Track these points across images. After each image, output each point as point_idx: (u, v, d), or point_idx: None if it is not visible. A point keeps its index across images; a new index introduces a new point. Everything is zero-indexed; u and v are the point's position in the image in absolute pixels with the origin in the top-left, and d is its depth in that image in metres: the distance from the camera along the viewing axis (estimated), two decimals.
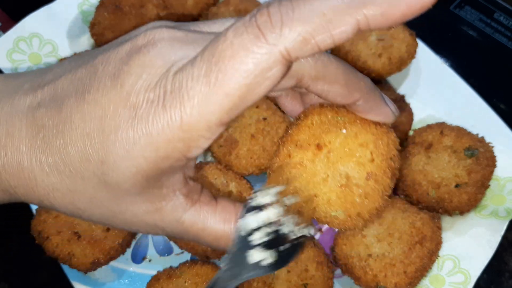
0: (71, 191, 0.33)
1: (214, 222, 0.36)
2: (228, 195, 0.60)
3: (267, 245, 0.36)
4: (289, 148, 0.39)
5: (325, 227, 0.64)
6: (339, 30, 0.27)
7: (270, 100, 0.66)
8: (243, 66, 0.28)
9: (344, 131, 0.38)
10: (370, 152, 0.38)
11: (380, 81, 0.69)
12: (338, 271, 0.59)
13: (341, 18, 0.27)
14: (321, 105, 0.39)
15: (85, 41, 0.73)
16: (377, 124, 0.39)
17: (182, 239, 0.38)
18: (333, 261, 0.58)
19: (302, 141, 0.38)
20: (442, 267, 0.58)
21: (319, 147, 0.38)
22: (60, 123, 0.32)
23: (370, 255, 0.55)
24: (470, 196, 0.58)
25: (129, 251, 0.63)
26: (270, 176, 0.39)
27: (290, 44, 0.28)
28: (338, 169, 0.38)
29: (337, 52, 0.67)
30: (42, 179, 0.33)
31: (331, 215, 0.39)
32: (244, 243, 0.36)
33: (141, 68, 0.31)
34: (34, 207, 0.61)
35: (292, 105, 0.40)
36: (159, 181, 0.33)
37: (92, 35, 0.70)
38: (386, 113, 0.39)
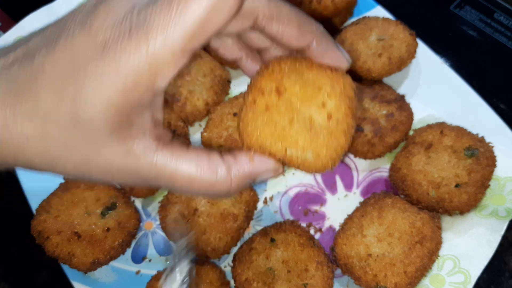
0: (44, 136, 0.33)
1: (187, 164, 0.36)
2: None
3: None
4: (254, 94, 0.41)
5: (325, 227, 0.64)
6: None
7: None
8: None
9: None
10: (327, 94, 0.41)
11: (380, 81, 0.69)
12: (338, 271, 0.59)
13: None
14: (280, 56, 0.42)
15: None
16: (332, 69, 0.41)
17: (158, 187, 0.39)
18: (333, 261, 0.58)
19: (264, 87, 0.41)
20: (442, 267, 0.58)
21: (278, 91, 0.41)
22: (32, 74, 0.33)
23: (370, 255, 0.55)
24: (470, 196, 0.58)
25: (129, 251, 0.63)
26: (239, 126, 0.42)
27: None
28: (301, 112, 0.41)
29: None
30: (16, 130, 0.33)
31: (302, 158, 0.42)
32: None
33: (107, 12, 0.33)
34: (34, 207, 0.61)
35: (253, 67, 0.43)
36: (129, 118, 0.34)
37: None
38: (339, 57, 0.41)
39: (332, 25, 0.72)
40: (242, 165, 0.39)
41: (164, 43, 0.31)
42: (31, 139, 0.33)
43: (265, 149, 0.41)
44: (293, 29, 0.37)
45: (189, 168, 0.36)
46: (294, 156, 0.42)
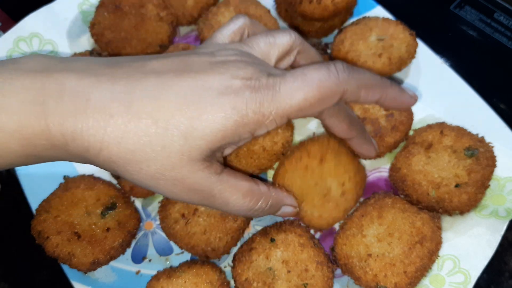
0: (152, 152, 0.39)
1: (236, 191, 0.45)
2: None
3: None
4: (302, 153, 0.58)
5: None
6: (371, 92, 0.46)
7: None
8: (322, 84, 0.41)
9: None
10: (349, 178, 0.57)
11: None
12: (338, 271, 0.59)
13: (374, 89, 0.46)
14: (330, 134, 0.59)
15: (85, 41, 0.73)
16: (359, 162, 0.61)
17: (208, 206, 0.47)
18: (333, 261, 0.58)
19: (311, 152, 0.57)
20: (442, 267, 0.58)
21: (321, 160, 0.57)
22: (157, 91, 0.38)
23: (370, 255, 0.55)
24: (470, 196, 0.58)
25: (129, 251, 0.63)
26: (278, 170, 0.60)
27: (351, 87, 0.43)
28: (326, 181, 0.57)
29: (337, 53, 0.67)
30: (133, 128, 0.38)
31: (309, 213, 0.57)
32: None
33: (239, 65, 0.41)
34: (34, 207, 0.61)
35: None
36: (217, 152, 0.42)
37: (92, 35, 0.70)
38: (371, 150, 0.58)
39: (332, 25, 0.72)
40: (276, 192, 0.51)
41: (279, 107, 0.40)
42: (140, 140, 0.38)
43: (289, 192, 0.56)
44: (344, 125, 0.50)
45: (243, 182, 0.45)
46: (304, 209, 0.57)
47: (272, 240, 0.57)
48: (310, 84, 0.40)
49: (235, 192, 0.44)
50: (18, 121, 0.35)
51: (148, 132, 0.38)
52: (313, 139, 0.59)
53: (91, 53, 0.69)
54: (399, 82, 0.70)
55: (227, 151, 0.53)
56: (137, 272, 0.62)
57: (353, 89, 0.43)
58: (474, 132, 0.62)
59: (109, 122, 0.37)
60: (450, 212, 0.59)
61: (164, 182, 0.41)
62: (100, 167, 0.41)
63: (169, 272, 0.57)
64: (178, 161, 0.39)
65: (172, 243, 0.63)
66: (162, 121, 0.38)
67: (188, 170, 0.40)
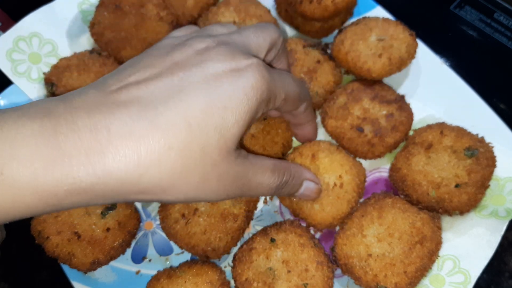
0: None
1: (263, 158, 0.47)
2: None
3: None
4: (295, 155, 0.60)
5: None
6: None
7: None
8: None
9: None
10: (346, 171, 0.59)
11: (380, 81, 0.69)
12: (338, 271, 0.59)
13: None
14: (320, 141, 0.63)
15: (85, 41, 0.73)
16: (354, 159, 0.62)
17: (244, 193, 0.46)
18: (333, 261, 0.58)
19: (302, 153, 0.60)
20: (442, 267, 0.58)
21: (313, 157, 0.59)
22: (175, 95, 0.38)
23: (370, 255, 0.55)
24: (470, 196, 0.58)
25: (129, 251, 0.63)
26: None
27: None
28: (323, 177, 0.58)
29: (337, 53, 0.67)
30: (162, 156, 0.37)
31: (312, 207, 0.58)
32: None
33: (236, 46, 0.45)
34: None
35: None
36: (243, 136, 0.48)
37: (92, 34, 0.70)
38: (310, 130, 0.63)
39: (332, 25, 0.72)
40: (296, 164, 0.56)
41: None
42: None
43: None
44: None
45: (268, 174, 0.46)
46: (306, 206, 0.58)
47: (272, 240, 0.57)
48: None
49: (265, 171, 0.45)
50: (34, 171, 0.31)
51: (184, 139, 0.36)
52: (304, 143, 0.62)
53: (91, 52, 0.69)
54: (398, 83, 0.70)
55: None
56: (137, 272, 0.62)
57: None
58: (474, 132, 0.62)
59: (140, 144, 0.34)
60: (450, 212, 0.59)
61: (209, 185, 0.39)
62: (138, 199, 0.38)
63: (169, 272, 0.57)
64: (218, 156, 0.39)
65: (172, 243, 0.63)
66: (194, 123, 0.37)
67: (228, 162, 0.40)
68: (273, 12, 0.75)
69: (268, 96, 0.43)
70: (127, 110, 0.35)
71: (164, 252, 0.63)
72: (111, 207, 0.61)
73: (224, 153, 0.39)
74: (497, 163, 0.60)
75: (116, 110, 0.35)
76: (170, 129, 0.35)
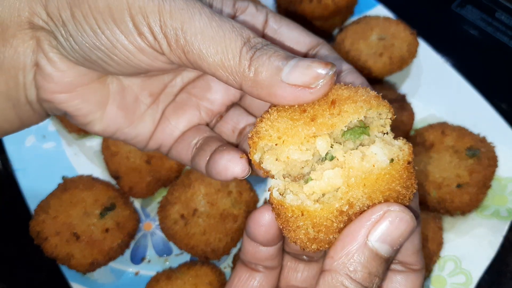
0: None
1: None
2: (228, 195, 0.60)
3: None
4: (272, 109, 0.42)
5: None
6: None
7: None
8: None
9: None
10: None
11: (380, 81, 0.69)
12: None
13: None
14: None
15: None
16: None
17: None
18: None
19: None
20: (443, 268, 0.57)
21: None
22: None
23: None
24: (471, 196, 0.58)
25: (128, 252, 0.62)
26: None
27: None
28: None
29: (338, 52, 0.66)
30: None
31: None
32: None
33: None
34: (32, 208, 0.61)
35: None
36: None
37: None
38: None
39: (333, 24, 0.72)
40: None
41: None
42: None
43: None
44: None
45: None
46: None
47: None
48: None
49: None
50: None
51: None
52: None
53: None
54: (399, 82, 0.70)
55: None
56: (136, 273, 0.61)
57: None
58: (475, 132, 0.62)
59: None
60: (451, 213, 0.59)
61: None
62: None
63: (169, 273, 0.57)
64: None
65: (171, 243, 0.62)
66: None
67: None
68: None
69: None
70: None
71: (163, 253, 0.63)
72: (110, 207, 0.60)
73: None
74: (499, 163, 0.60)
75: None
76: None
